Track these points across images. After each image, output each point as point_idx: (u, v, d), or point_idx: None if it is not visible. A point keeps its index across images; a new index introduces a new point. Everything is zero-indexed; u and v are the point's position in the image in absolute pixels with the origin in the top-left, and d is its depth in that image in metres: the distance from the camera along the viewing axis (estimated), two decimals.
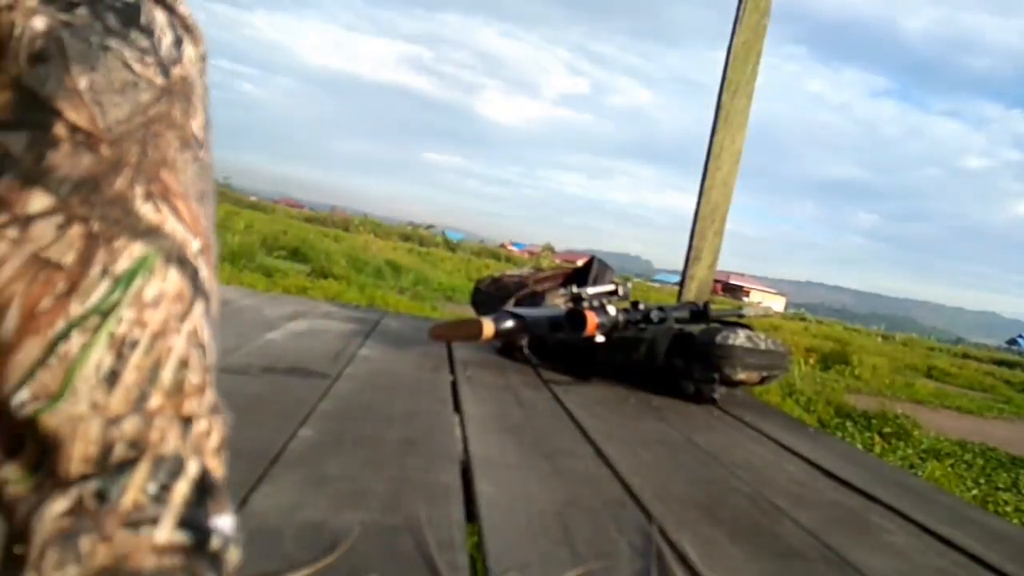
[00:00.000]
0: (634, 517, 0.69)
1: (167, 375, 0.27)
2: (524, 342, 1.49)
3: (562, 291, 1.49)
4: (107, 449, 0.25)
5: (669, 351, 1.43)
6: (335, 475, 0.66)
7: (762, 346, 1.41)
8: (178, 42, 0.29)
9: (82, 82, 0.26)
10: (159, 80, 0.28)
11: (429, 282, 9.29)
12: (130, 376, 0.26)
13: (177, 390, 0.27)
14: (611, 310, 1.40)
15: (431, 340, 1.21)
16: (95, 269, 0.25)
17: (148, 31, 0.28)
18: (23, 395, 0.24)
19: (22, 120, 0.25)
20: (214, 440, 0.27)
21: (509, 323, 1.26)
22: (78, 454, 0.25)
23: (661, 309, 1.54)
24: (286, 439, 0.73)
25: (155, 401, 0.26)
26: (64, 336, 0.25)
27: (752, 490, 0.86)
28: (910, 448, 3.75)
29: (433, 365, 1.36)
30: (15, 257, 0.25)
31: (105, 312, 0.25)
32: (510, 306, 1.53)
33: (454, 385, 1.20)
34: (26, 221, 0.25)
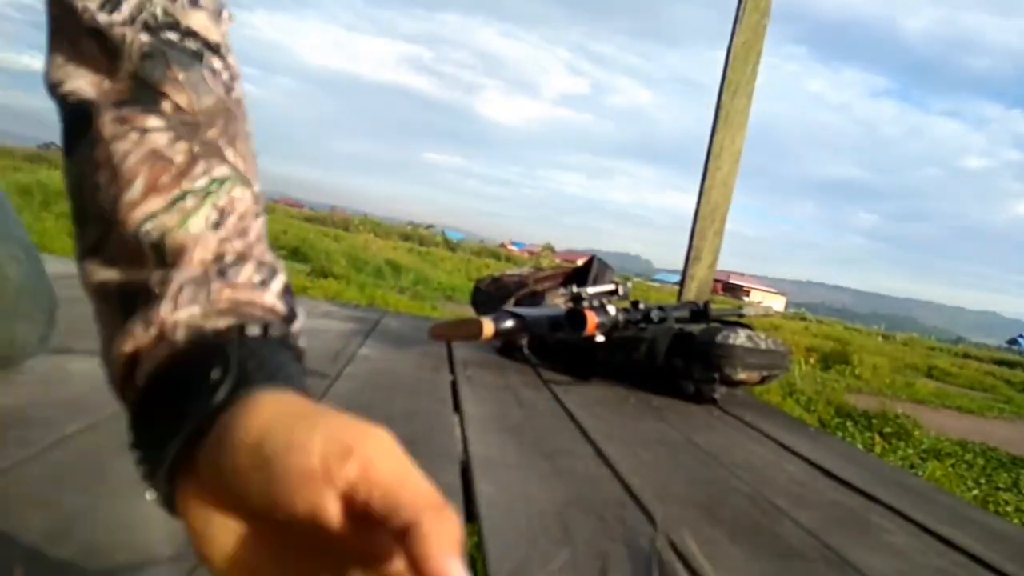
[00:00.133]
0: (634, 517, 0.69)
1: (252, 239, 0.35)
2: (524, 342, 1.49)
3: (562, 291, 1.49)
4: (220, 256, 0.33)
5: (669, 351, 1.43)
6: None
7: (762, 346, 1.41)
8: (232, 77, 0.39)
9: (180, 75, 0.36)
10: (224, 94, 0.38)
11: (429, 282, 9.29)
12: (229, 226, 0.35)
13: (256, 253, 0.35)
14: (611, 310, 1.40)
15: (431, 340, 1.21)
16: (199, 168, 0.35)
17: (211, 66, 0.38)
18: (148, 226, 0.33)
19: (137, 99, 0.35)
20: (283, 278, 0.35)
21: (509, 323, 1.26)
22: (197, 257, 0.33)
23: (661, 309, 1.54)
24: None
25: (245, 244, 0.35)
26: (180, 198, 0.34)
27: (752, 490, 0.86)
28: (910, 448, 3.75)
29: (433, 365, 1.36)
30: (138, 150, 0.34)
31: (209, 192, 0.35)
32: (510, 306, 1.53)
33: (454, 385, 1.20)
34: (144, 131, 0.34)
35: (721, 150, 2.19)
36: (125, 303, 0.33)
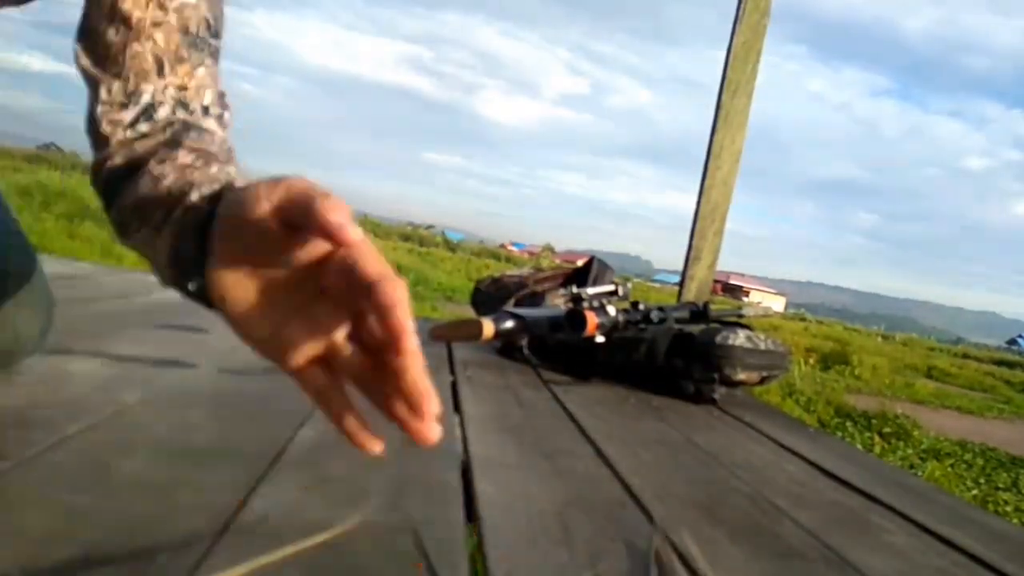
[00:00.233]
0: (634, 517, 0.69)
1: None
2: (524, 342, 1.49)
3: (562, 291, 1.49)
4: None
5: (669, 351, 1.43)
6: (335, 475, 0.66)
7: (762, 346, 1.41)
8: (225, 107, 0.60)
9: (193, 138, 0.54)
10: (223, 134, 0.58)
11: (429, 282, 9.29)
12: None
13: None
14: (611, 310, 1.40)
15: (431, 340, 1.21)
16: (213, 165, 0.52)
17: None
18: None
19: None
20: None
21: (509, 323, 1.25)
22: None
23: (661, 309, 1.54)
24: (286, 439, 0.73)
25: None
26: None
27: (752, 490, 0.86)
28: (910, 448, 3.75)
29: (433, 365, 1.35)
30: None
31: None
32: (510, 306, 1.53)
33: (454, 385, 1.20)
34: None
35: (721, 150, 2.19)
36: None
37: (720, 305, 1.79)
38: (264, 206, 0.36)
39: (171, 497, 0.55)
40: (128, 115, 0.55)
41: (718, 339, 1.38)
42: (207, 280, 0.40)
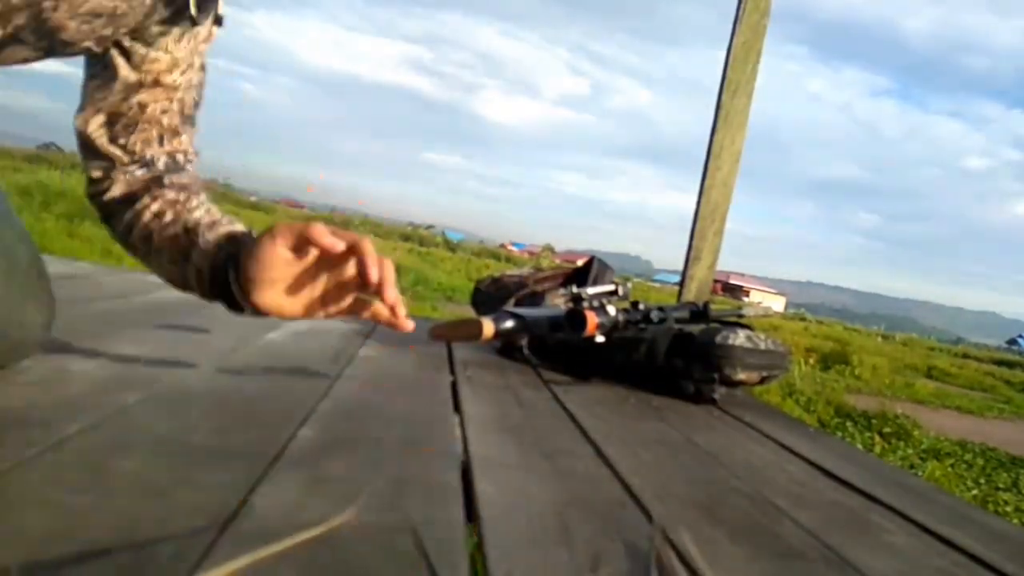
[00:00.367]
0: (634, 517, 0.69)
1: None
2: (524, 342, 1.49)
3: (562, 291, 1.49)
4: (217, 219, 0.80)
5: (669, 351, 1.43)
6: (335, 475, 0.66)
7: (762, 346, 1.41)
8: (196, 155, 0.86)
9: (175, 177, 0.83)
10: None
11: (429, 282, 9.29)
12: (214, 212, 0.81)
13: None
14: (611, 310, 1.40)
15: (431, 340, 1.21)
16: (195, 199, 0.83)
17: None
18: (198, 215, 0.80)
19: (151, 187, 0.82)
20: None
21: (509, 323, 1.25)
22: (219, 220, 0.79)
23: (661, 309, 1.54)
24: (286, 439, 0.73)
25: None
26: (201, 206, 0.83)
27: (752, 490, 0.86)
28: (910, 448, 3.75)
29: (433, 365, 1.36)
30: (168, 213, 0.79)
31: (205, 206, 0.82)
32: (510, 306, 1.53)
33: (454, 385, 1.20)
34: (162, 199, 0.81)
35: (721, 150, 2.19)
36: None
37: (720, 305, 1.79)
38: (278, 247, 0.64)
39: (171, 497, 0.55)
40: (133, 168, 0.80)
41: (718, 339, 1.38)
42: (253, 306, 0.68)
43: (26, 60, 0.71)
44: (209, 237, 0.73)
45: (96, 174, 0.80)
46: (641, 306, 1.52)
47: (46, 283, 0.82)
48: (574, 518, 0.66)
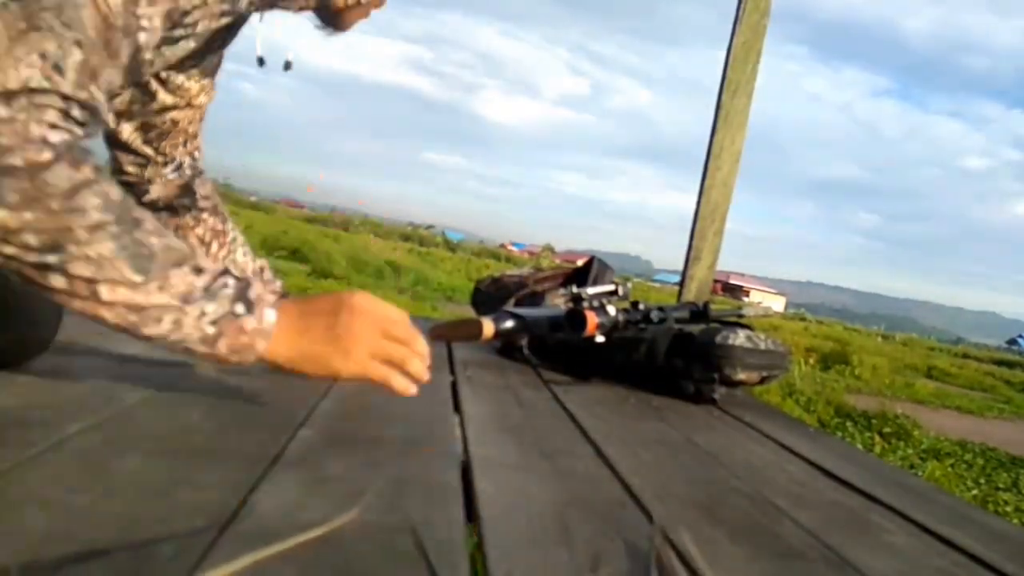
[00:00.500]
0: (634, 517, 0.69)
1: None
2: (524, 342, 1.49)
3: (562, 291, 1.49)
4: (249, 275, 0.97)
5: (669, 351, 1.43)
6: (335, 475, 0.66)
7: (762, 346, 1.41)
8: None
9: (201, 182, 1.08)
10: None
11: (429, 282, 9.29)
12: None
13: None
14: (611, 310, 1.40)
15: (431, 340, 1.21)
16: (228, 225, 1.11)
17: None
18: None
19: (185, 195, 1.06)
20: None
21: (509, 323, 1.25)
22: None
23: (661, 309, 1.54)
24: (286, 439, 0.73)
25: None
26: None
27: (752, 490, 0.86)
28: (910, 448, 3.75)
29: (433, 365, 1.36)
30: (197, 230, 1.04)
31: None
32: (510, 306, 1.53)
33: (454, 385, 1.20)
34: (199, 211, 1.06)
35: (721, 150, 2.19)
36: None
37: (720, 305, 1.79)
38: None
39: (170, 496, 0.55)
40: (166, 171, 0.98)
41: (718, 339, 1.38)
42: (275, 359, 0.74)
43: None
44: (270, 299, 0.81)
45: (131, 169, 0.96)
46: (641, 306, 1.52)
47: None
48: (574, 518, 0.66)
